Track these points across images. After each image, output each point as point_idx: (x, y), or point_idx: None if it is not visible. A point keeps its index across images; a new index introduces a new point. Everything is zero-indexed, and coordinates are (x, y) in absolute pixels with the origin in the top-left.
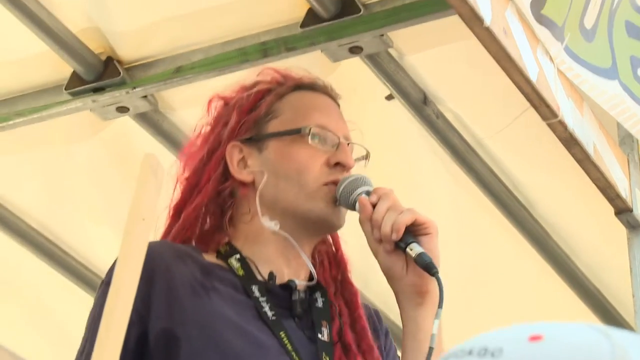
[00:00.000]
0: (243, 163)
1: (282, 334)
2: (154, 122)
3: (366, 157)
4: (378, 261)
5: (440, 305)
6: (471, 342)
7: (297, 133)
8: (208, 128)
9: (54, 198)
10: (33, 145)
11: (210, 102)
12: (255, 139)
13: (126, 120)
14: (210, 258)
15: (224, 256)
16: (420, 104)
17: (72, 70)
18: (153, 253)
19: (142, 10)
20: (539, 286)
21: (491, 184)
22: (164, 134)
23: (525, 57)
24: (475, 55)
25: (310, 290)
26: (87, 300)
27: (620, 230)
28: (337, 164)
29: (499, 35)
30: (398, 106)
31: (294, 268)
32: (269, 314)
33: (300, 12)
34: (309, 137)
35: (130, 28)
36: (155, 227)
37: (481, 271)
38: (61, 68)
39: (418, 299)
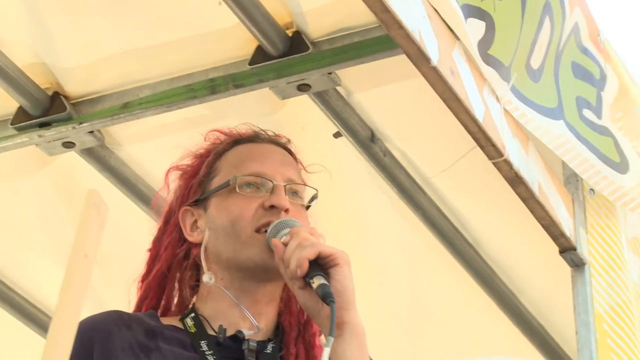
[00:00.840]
0: (195, 225)
1: None
2: (101, 157)
3: (315, 197)
4: (297, 299)
5: (331, 334)
6: None
7: (227, 186)
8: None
9: None
10: None
11: (166, 174)
12: (201, 200)
13: (72, 155)
14: (171, 321)
15: (183, 317)
16: (368, 142)
17: (18, 105)
18: (94, 323)
19: (89, 46)
20: (484, 323)
21: (438, 221)
22: (111, 170)
23: (471, 97)
24: (422, 94)
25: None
26: (30, 336)
27: (565, 268)
28: (271, 206)
29: (446, 75)
30: (346, 143)
31: (248, 319)
32: None
33: (249, 50)
34: (237, 186)
35: (77, 64)
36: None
37: (427, 308)
38: (7, 103)
39: (337, 331)
